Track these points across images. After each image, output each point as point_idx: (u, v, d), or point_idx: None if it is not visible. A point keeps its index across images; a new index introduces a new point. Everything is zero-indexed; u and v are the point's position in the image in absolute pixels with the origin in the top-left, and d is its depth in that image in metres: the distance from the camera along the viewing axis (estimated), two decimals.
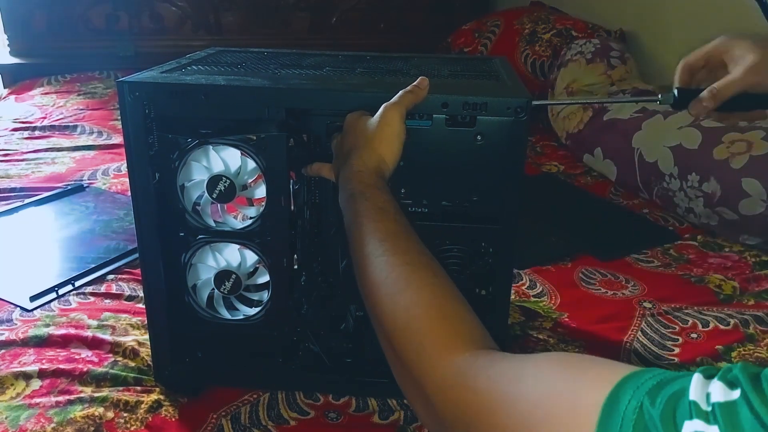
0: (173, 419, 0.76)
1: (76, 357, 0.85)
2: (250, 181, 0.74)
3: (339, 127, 0.69)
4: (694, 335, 0.94)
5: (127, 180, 0.72)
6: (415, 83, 0.66)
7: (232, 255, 0.77)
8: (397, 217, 0.57)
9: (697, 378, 0.32)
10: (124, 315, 0.96)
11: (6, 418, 0.74)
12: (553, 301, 1.03)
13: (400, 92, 0.65)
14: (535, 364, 0.41)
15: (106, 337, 0.89)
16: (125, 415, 0.75)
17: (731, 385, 0.32)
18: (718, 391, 0.32)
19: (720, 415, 0.31)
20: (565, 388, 0.37)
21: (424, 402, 0.46)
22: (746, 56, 0.70)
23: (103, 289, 1.03)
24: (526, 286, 1.08)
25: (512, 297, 0.99)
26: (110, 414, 0.75)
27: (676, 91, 0.74)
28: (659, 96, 0.75)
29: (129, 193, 0.73)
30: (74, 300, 1.00)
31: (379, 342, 0.52)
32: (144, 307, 0.79)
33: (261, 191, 0.73)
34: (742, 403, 0.31)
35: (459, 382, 0.43)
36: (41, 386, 0.79)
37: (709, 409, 0.31)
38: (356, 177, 0.60)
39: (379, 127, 0.63)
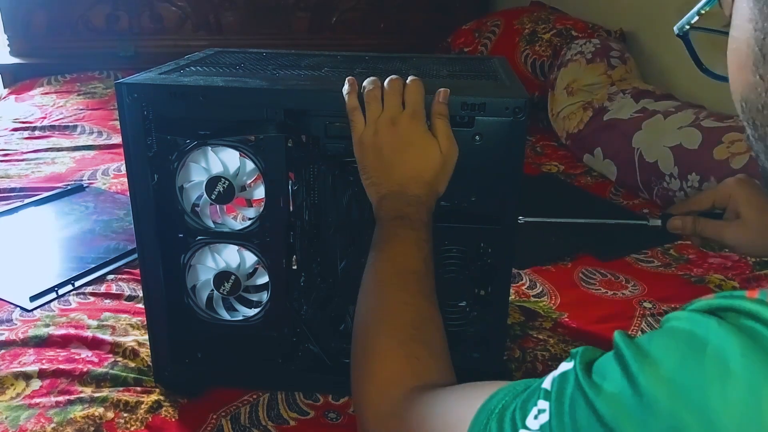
0: (173, 419, 0.76)
1: (76, 357, 0.85)
2: (248, 182, 0.74)
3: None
4: None
5: (127, 180, 0.72)
6: (442, 100, 0.65)
7: (231, 256, 0.77)
8: (427, 259, 0.59)
9: (550, 375, 0.36)
10: (124, 315, 0.96)
11: (6, 418, 0.74)
12: (553, 301, 1.03)
13: (446, 116, 0.64)
14: (442, 398, 0.45)
15: (106, 337, 0.89)
16: (125, 415, 0.75)
17: (570, 357, 0.35)
18: (560, 367, 0.35)
19: (555, 387, 0.34)
20: (448, 422, 0.41)
21: (364, 428, 0.51)
22: (747, 215, 0.72)
23: (103, 289, 1.04)
24: (526, 286, 1.08)
25: (512, 297, 0.99)
26: (110, 414, 0.75)
27: (660, 221, 0.79)
28: (648, 220, 0.81)
29: (129, 194, 0.73)
30: (74, 300, 1.00)
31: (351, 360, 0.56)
32: (144, 307, 0.79)
33: (260, 192, 0.73)
34: (572, 371, 0.34)
35: (392, 415, 0.47)
36: (41, 386, 0.80)
37: (550, 387, 0.35)
38: (416, 206, 0.61)
39: (447, 167, 0.64)
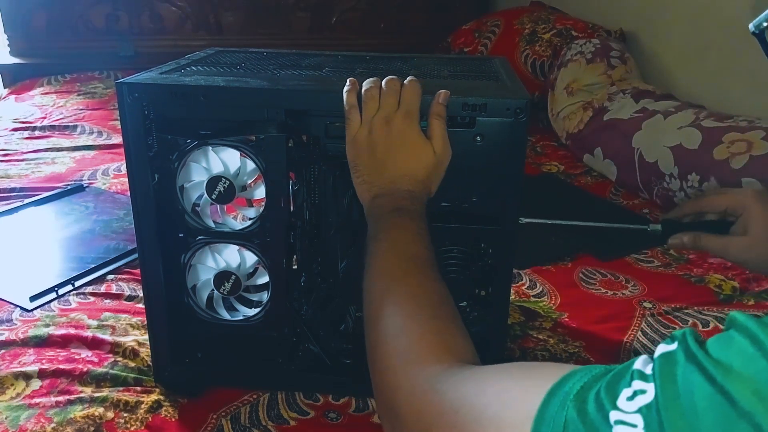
0: (173, 419, 0.76)
1: (76, 357, 0.85)
2: (249, 182, 0.74)
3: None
4: None
5: (127, 180, 0.72)
6: (441, 102, 0.65)
7: (231, 256, 0.77)
8: (429, 245, 0.59)
9: (641, 357, 0.33)
10: (124, 315, 0.96)
11: (6, 418, 0.74)
12: (553, 301, 1.03)
13: (443, 118, 0.64)
14: (497, 370, 0.43)
15: (106, 337, 0.89)
16: (125, 415, 0.75)
17: (672, 340, 0.33)
18: (659, 349, 0.33)
19: (658, 367, 0.32)
20: (515, 389, 0.38)
21: (394, 414, 0.47)
22: (757, 233, 0.69)
23: (103, 289, 1.04)
24: (526, 286, 1.08)
25: (512, 297, 0.99)
26: (110, 414, 0.75)
27: (660, 226, 0.77)
28: (648, 225, 0.78)
29: (129, 194, 0.73)
30: (74, 300, 1.00)
31: (366, 349, 0.54)
32: (144, 307, 0.79)
33: (260, 192, 0.73)
34: (680, 351, 0.31)
35: (427, 391, 0.44)
36: (41, 386, 0.80)
37: (650, 371, 0.32)
38: (411, 199, 0.61)
39: (440, 169, 0.64)
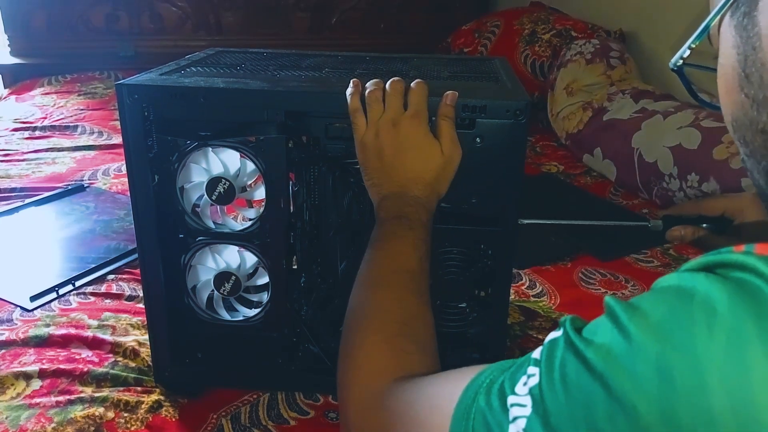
0: (173, 419, 0.76)
1: (77, 357, 0.85)
2: (249, 182, 0.74)
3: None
4: None
5: (127, 181, 0.72)
6: (449, 103, 0.65)
7: (231, 256, 0.77)
8: (423, 259, 0.59)
9: (540, 347, 0.37)
10: (125, 315, 0.96)
11: (6, 418, 0.74)
12: (552, 301, 1.04)
13: (451, 119, 0.65)
14: (427, 383, 0.45)
15: (107, 337, 0.89)
16: (125, 415, 0.75)
17: (559, 327, 0.36)
18: (549, 336, 0.36)
19: (545, 352, 0.35)
20: (434, 404, 0.42)
21: (347, 428, 0.50)
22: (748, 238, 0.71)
23: (103, 289, 1.04)
24: (525, 286, 1.08)
25: (512, 297, 0.99)
26: (110, 414, 0.75)
27: (661, 222, 0.77)
28: (650, 222, 0.78)
29: (129, 194, 0.73)
30: (74, 300, 1.01)
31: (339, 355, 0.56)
32: (144, 307, 0.79)
33: (260, 193, 0.73)
34: (562, 336, 0.35)
35: (375, 406, 0.47)
36: (41, 386, 0.80)
37: (540, 355, 0.36)
38: (416, 207, 0.62)
39: (449, 169, 0.64)
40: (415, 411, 0.43)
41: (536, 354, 0.36)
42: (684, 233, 0.75)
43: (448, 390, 0.41)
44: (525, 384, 0.35)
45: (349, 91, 0.66)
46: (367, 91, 0.65)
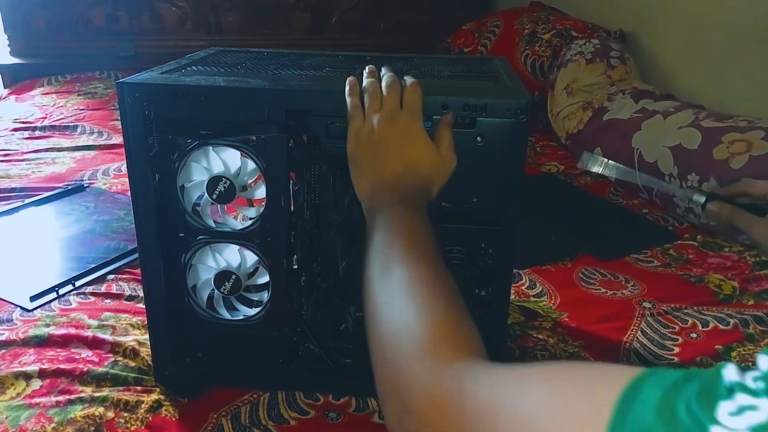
0: (173, 419, 0.76)
1: (77, 357, 0.85)
2: (249, 181, 0.74)
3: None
4: (693, 335, 0.94)
5: (128, 180, 0.72)
6: (451, 116, 0.66)
7: (231, 255, 0.77)
8: (432, 233, 0.57)
9: (729, 366, 0.31)
10: (125, 315, 0.96)
11: (6, 418, 0.74)
12: (552, 301, 1.03)
13: (450, 128, 0.65)
14: (540, 370, 0.39)
15: (107, 337, 0.89)
16: (125, 414, 0.75)
17: None
18: (764, 362, 0.29)
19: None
20: (574, 392, 0.35)
21: (405, 410, 0.43)
22: None
23: (103, 289, 1.04)
24: (525, 286, 1.08)
25: (512, 297, 0.99)
26: (110, 414, 0.75)
27: (705, 198, 0.76)
28: (694, 194, 0.77)
29: (129, 194, 0.73)
30: (74, 300, 1.00)
31: (369, 347, 0.51)
32: (144, 307, 0.79)
33: (261, 192, 0.73)
34: None
35: (453, 388, 0.40)
36: (41, 386, 0.80)
37: (757, 385, 0.29)
38: (410, 193, 0.60)
39: (443, 171, 0.64)
40: (532, 409, 0.35)
41: (735, 376, 0.30)
42: (721, 210, 0.73)
43: (584, 393, 0.34)
44: (737, 415, 0.28)
45: (347, 89, 0.66)
46: (365, 86, 0.65)
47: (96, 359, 0.85)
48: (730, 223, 0.74)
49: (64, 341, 0.88)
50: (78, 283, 1.04)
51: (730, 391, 0.29)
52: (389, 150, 0.63)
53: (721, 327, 0.96)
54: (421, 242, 0.54)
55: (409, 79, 0.66)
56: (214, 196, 0.72)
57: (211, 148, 0.71)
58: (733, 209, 0.74)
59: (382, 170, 0.63)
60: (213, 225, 0.75)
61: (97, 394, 0.78)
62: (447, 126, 0.65)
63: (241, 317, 0.79)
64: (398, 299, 0.49)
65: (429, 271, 0.51)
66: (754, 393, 0.29)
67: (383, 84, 0.65)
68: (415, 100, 0.65)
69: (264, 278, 0.78)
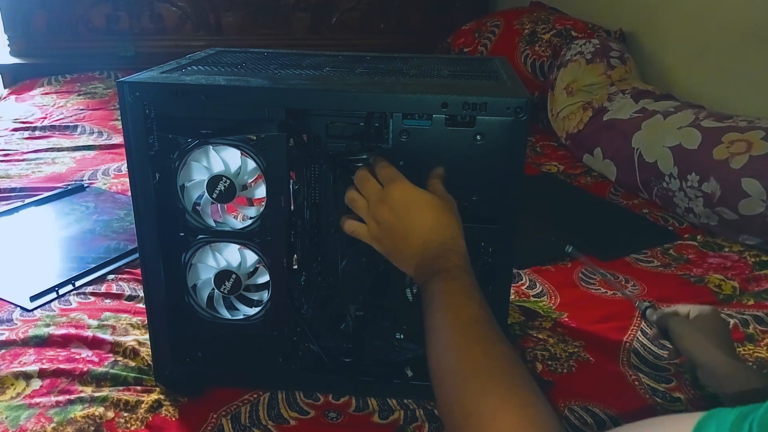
0: (173, 419, 0.76)
1: (77, 357, 0.85)
2: (250, 181, 0.74)
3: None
4: None
5: (128, 180, 0.72)
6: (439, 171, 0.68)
7: (232, 255, 0.77)
8: (482, 302, 0.57)
9: None
10: (125, 315, 0.96)
11: (6, 418, 0.74)
12: (552, 301, 1.03)
13: (442, 178, 0.68)
14: None
15: (107, 336, 0.89)
16: (125, 414, 0.75)
17: None
18: None
19: None
20: None
21: None
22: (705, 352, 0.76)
23: (103, 289, 1.04)
24: (525, 286, 1.08)
25: (512, 297, 0.99)
26: (110, 414, 0.75)
27: (645, 310, 0.87)
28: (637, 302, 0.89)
29: (129, 193, 0.73)
30: (74, 300, 1.00)
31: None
32: (144, 306, 0.79)
33: (261, 191, 0.73)
34: None
35: None
36: (41, 386, 0.80)
37: None
38: (446, 255, 0.60)
39: (451, 211, 0.64)
40: None
41: None
42: (655, 316, 0.84)
43: None
44: None
45: (345, 226, 0.69)
46: (347, 201, 0.68)
47: (96, 359, 0.85)
48: (663, 326, 0.81)
49: (64, 341, 0.88)
50: (78, 283, 1.04)
51: None
52: (402, 228, 0.63)
53: None
54: (469, 319, 0.55)
55: (371, 158, 0.69)
56: (215, 196, 0.72)
57: (211, 147, 0.71)
58: (665, 314, 0.82)
59: (410, 248, 0.63)
60: (213, 224, 0.75)
61: (97, 394, 0.78)
62: (436, 176, 0.67)
63: (241, 317, 0.79)
64: (460, 389, 0.49)
65: (483, 352, 0.51)
66: None
67: (355, 184, 0.68)
68: (387, 170, 0.66)
69: (264, 278, 0.78)
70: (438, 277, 0.58)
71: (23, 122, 1.95)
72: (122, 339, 0.88)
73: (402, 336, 0.79)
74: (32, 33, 2.52)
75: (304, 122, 0.72)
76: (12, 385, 0.80)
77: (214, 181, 0.71)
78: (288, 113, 0.70)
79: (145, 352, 0.85)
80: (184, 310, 0.78)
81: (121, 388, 0.80)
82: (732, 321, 0.97)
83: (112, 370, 0.82)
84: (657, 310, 0.85)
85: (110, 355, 0.86)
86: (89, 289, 1.03)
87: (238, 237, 0.75)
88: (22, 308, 0.97)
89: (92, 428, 0.73)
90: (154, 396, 0.78)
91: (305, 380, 0.81)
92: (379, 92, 0.68)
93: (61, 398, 0.77)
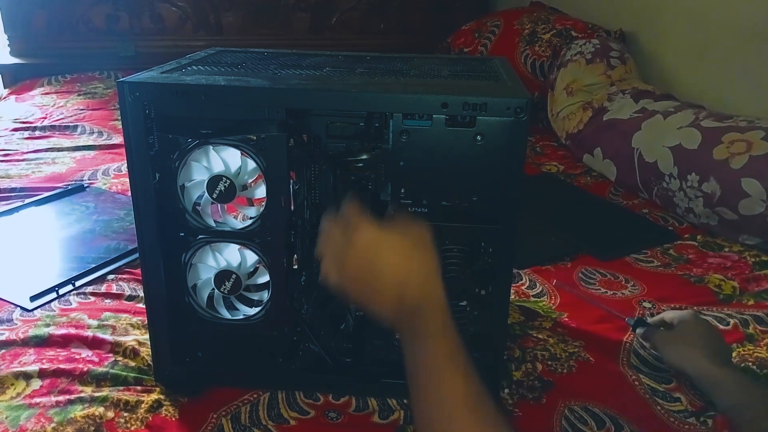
0: (173, 419, 0.76)
1: (77, 357, 0.85)
2: (250, 181, 0.74)
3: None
4: None
5: (128, 180, 0.72)
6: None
7: (232, 255, 0.77)
8: (468, 374, 0.55)
9: None
10: (125, 315, 0.96)
11: (6, 418, 0.74)
12: (552, 301, 1.03)
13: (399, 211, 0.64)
14: None
15: (107, 336, 0.89)
16: (125, 414, 0.75)
17: None
18: None
19: None
20: None
21: None
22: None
23: (103, 289, 1.04)
24: (525, 286, 1.08)
25: (512, 297, 0.99)
26: (110, 414, 0.75)
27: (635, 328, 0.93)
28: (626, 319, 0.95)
29: (129, 193, 0.73)
30: (74, 300, 1.00)
31: None
32: (144, 306, 0.79)
33: (261, 191, 0.73)
34: None
35: None
36: (41, 386, 0.80)
37: None
38: (424, 310, 0.56)
39: (419, 241, 0.58)
40: None
41: None
42: (644, 332, 0.89)
43: None
44: None
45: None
46: (316, 256, 0.62)
47: (96, 359, 0.85)
48: (652, 342, 0.87)
49: (64, 341, 0.88)
50: (78, 283, 1.04)
51: None
52: (372, 279, 0.57)
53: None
54: (456, 394, 0.54)
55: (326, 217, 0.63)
56: (215, 196, 0.72)
57: (211, 147, 0.71)
58: (650, 328, 0.88)
59: (385, 303, 0.58)
60: (213, 224, 0.75)
61: (97, 394, 0.78)
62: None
63: (241, 317, 0.79)
64: None
65: (486, 410, 0.53)
66: None
67: (321, 235, 0.62)
68: (350, 211, 0.60)
69: (264, 278, 0.78)
70: (419, 340, 0.56)
71: (23, 122, 1.95)
72: (122, 339, 0.88)
73: None
74: (32, 33, 2.52)
75: (304, 122, 0.72)
76: (12, 385, 0.80)
77: (214, 181, 0.71)
78: (288, 113, 0.70)
79: (145, 352, 0.85)
80: (184, 310, 0.78)
81: (121, 388, 0.80)
82: (732, 321, 0.97)
83: (112, 370, 0.82)
84: (645, 325, 0.90)
85: (110, 355, 0.86)
86: (89, 289, 1.03)
87: (238, 237, 0.75)
88: (22, 308, 0.97)
89: (92, 428, 0.73)
90: (154, 396, 0.78)
91: (305, 380, 0.81)
92: (379, 92, 0.68)
93: (61, 398, 0.77)
